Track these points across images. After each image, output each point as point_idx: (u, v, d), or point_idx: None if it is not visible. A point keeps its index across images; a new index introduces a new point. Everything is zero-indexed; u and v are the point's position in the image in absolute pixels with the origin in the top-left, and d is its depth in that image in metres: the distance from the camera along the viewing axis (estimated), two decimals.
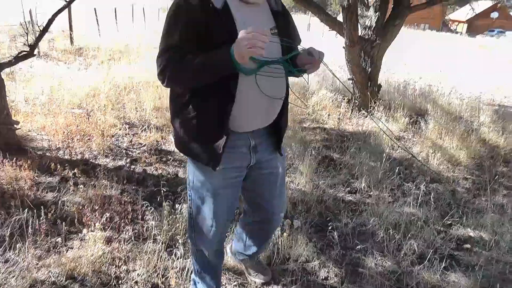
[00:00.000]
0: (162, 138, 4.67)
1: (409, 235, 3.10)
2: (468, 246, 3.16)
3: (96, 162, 3.96)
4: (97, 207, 2.98)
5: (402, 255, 2.90)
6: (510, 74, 12.71)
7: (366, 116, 5.97)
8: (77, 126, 4.55)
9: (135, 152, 4.30)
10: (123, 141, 4.54)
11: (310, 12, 9.07)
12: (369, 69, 6.19)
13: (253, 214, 2.25)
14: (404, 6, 5.93)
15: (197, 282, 2.23)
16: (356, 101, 6.26)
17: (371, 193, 3.84)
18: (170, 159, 4.20)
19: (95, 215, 2.85)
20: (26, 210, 2.69)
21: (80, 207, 3.01)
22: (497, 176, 4.37)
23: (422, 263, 2.80)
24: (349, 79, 6.26)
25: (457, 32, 45.56)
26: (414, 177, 4.26)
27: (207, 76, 1.60)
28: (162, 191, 3.25)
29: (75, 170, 3.55)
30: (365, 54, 6.12)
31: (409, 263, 2.83)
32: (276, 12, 1.80)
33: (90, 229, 2.65)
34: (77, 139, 4.29)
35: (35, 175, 3.50)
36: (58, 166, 3.61)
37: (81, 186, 3.24)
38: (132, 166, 3.96)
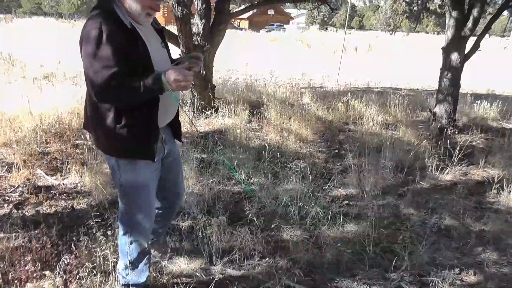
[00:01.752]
0: (31, 174, 4.22)
1: (303, 205, 3.56)
2: (346, 202, 3.79)
3: None
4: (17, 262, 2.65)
5: (308, 222, 3.33)
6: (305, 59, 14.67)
7: (212, 115, 6.32)
8: None
9: (12, 197, 3.81)
10: None
11: None
12: (204, 72, 6.55)
13: (162, 202, 2.63)
14: (225, 13, 6.43)
15: (127, 274, 2.44)
16: (198, 103, 6.55)
17: (252, 180, 4.21)
18: (55, 193, 3.88)
19: (23, 270, 2.56)
20: None
21: None
22: (340, 144, 5.22)
23: (325, 224, 3.28)
24: None
25: (241, 29, 49.79)
26: (278, 159, 4.78)
27: (144, 99, 2.02)
28: (81, 227, 3.05)
29: None
30: None
31: (314, 226, 3.28)
32: (159, 30, 2.30)
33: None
34: None
35: None
36: None
37: None
38: (19, 211, 3.53)
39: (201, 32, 6.33)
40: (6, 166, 4.38)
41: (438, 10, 8.50)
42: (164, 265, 2.80)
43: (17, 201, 3.73)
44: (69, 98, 7.00)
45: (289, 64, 13.47)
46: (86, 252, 2.77)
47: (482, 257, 3.21)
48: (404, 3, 8.59)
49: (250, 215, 3.34)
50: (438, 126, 6.32)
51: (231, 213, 3.55)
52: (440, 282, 2.81)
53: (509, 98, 9.48)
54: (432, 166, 4.78)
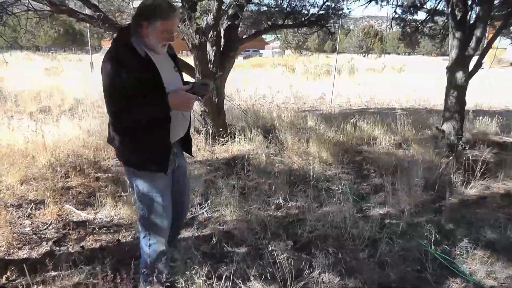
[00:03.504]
0: (60, 210, 4.12)
1: (351, 225, 3.59)
2: (389, 220, 3.85)
3: (15, 258, 3.28)
4: None
5: (364, 242, 3.37)
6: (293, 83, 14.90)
7: (227, 141, 6.34)
8: None
9: (48, 233, 3.70)
10: (23, 226, 3.83)
11: None
12: (216, 99, 6.60)
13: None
14: (234, 40, 6.54)
15: (148, 274, 2.54)
16: (212, 130, 6.57)
17: (290, 204, 4.24)
18: (94, 228, 3.79)
19: None
20: None
21: None
22: (359, 165, 5.32)
23: (382, 243, 3.33)
24: (202, 111, 6.54)
25: None
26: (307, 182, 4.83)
27: (154, 115, 2.33)
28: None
29: (7, 274, 2.91)
30: None
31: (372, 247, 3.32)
32: (172, 55, 2.60)
33: None
34: None
35: None
36: None
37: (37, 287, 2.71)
38: (61, 248, 3.43)
39: (213, 59, 6.40)
40: (32, 204, 4.27)
41: (430, 32, 8.74)
42: None
43: (56, 238, 3.63)
44: (74, 130, 6.95)
45: (279, 88, 13.61)
46: None
47: None
48: (397, 26, 8.84)
49: (304, 237, 3.36)
50: (447, 143, 6.50)
51: (280, 236, 3.55)
52: None
53: (498, 112, 9.84)
54: (457, 182, 4.91)
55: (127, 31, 2.39)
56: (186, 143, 2.77)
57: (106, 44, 44.25)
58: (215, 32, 6.27)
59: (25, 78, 14.93)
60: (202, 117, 6.58)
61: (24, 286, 2.71)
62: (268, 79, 16.70)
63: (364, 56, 55.83)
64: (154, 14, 2.30)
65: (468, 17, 6.47)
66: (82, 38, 61.04)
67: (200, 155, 5.89)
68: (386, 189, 4.49)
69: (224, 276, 2.71)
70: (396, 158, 5.80)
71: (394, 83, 17.67)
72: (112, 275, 2.83)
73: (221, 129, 6.51)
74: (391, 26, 8.86)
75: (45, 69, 19.04)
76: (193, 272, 2.60)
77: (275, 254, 2.92)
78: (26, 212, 4.10)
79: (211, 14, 5.79)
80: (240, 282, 2.76)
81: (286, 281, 2.83)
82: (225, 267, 2.87)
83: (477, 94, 10.30)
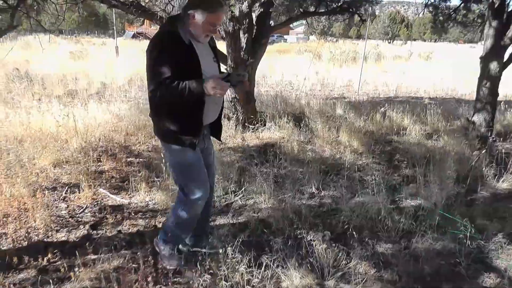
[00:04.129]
0: (95, 194, 4.25)
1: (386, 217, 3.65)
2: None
3: (54, 240, 3.42)
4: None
5: (399, 234, 3.42)
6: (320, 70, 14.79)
7: (257, 128, 6.41)
8: None
9: (84, 217, 3.84)
10: (59, 209, 3.97)
11: None
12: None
13: None
14: (266, 27, 6.54)
15: (171, 237, 2.97)
16: (242, 117, 6.63)
17: (322, 193, 4.31)
18: (129, 212, 3.91)
19: None
20: None
21: None
22: (390, 155, 5.33)
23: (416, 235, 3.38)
24: (233, 98, 6.60)
25: None
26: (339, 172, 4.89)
27: (190, 98, 2.50)
28: None
29: (48, 256, 3.03)
30: None
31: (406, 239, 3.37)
32: (213, 47, 2.85)
33: None
34: None
35: None
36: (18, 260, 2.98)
37: (79, 269, 2.80)
38: (99, 232, 3.57)
39: (244, 46, 6.43)
40: (66, 187, 4.39)
41: (463, 19, 8.53)
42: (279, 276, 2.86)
43: (92, 222, 3.74)
44: (103, 114, 7.08)
45: (305, 75, 13.55)
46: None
47: None
48: (428, 12, 8.68)
49: (339, 228, 3.42)
50: (477, 135, 6.43)
51: (316, 225, 3.62)
52: None
53: None
54: (489, 175, 4.89)
55: (175, 19, 2.65)
56: (216, 129, 3.02)
57: (130, 28, 44.35)
58: (247, 19, 6.29)
59: (50, 61, 15.14)
60: (233, 104, 6.64)
61: (66, 268, 2.81)
62: (294, 65, 16.59)
63: (390, 42, 54.84)
64: (203, 7, 2.52)
65: (506, 6, 6.32)
66: (106, 22, 61.39)
67: (231, 142, 5.97)
68: (418, 180, 4.50)
69: (264, 265, 2.81)
70: (426, 149, 5.78)
71: (421, 71, 17.39)
72: (152, 260, 2.96)
73: (252, 116, 6.57)
74: (422, 11, 8.72)
75: (70, 52, 19.28)
76: (234, 260, 2.69)
77: (314, 245, 3.00)
78: (61, 195, 4.23)
79: (246, 1, 5.81)
80: (279, 271, 2.84)
81: (324, 271, 2.92)
82: (266, 256, 2.94)
83: (509, 85, 10.08)
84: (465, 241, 3.37)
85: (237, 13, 5.92)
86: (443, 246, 3.44)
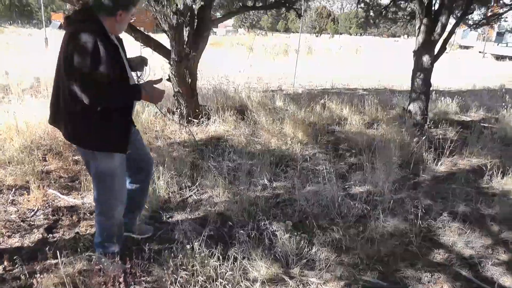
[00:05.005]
0: (45, 196, 3.96)
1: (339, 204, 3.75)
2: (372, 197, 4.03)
3: (8, 247, 3.14)
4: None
5: (352, 220, 3.53)
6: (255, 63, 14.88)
7: (202, 123, 6.33)
8: None
9: (37, 220, 3.56)
10: (8, 213, 3.64)
11: None
12: (189, 80, 6.53)
13: (140, 173, 2.98)
14: (207, 20, 6.46)
15: (105, 247, 2.81)
16: (185, 111, 6.51)
17: (274, 185, 4.35)
18: (84, 213, 3.67)
19: None
20: None
21: None
22: (334, 144, 5.50)
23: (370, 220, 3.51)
24: (176, 92, 6.46)
25: None
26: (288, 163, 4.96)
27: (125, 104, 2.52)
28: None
29: (4, 264, 2.80)
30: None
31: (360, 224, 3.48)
32: (120, 40, 2.70)
33: None
34: None
35: None
36: None
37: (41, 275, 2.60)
38: (54, 235, 3.32)
39: (186, 40, 6.30)
40: (13, 189, 4.08)
41: (393, 16, 8.96)
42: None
43: (46, 225, 3.49)
44: (42, 110, 6.64)
45: (240, 68, 13.57)
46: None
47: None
48: (360, 9, 9.03)
49: (295, 217, 3.47)
50: (414, 123, 6.80)
51: (274, 216, 3.65)
52: (485, 261, 3.17)
53: (457, 92, 10.33)
54: (428, 160, 5.18)
55: (93, 14, 2.41)
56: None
57: (56, 18, 41.63)
58: (188, 13, 6.17)
59: None
60: (176, 98, 6.50)
61: (27, 275, 2.63)
62: (228, 58, 16.58)
63: (317, 36, 56.30)
64: (131, 2, 2.46)
65: (432, 5, 6.75)
66: (30, 11, 57.58)
67: (177, 137, 5.85)
68: (365, 167, 4.67)
69: (232, 257, 2.78)
70: (368, 137, 6.00)
71: (352, 64, 18.06)
72: (119, 260, 2.82)
73: (196, 110, 6.47)
74: (355, 7, 9.04)
75: None
76: (202, 255, 2.64)
77: (277, 235, 3.02)
78: (9, 198, 3.91)
79: None
80: (245, 263, 2.83)
81: (288, 260, 2.94)
82: (232, 249, 2.91)
83: (439, 76, 10.71)
84: (415, 221, 3.56)
85: (181, 6, 5.78)
86: (396, 227, 3.60)
